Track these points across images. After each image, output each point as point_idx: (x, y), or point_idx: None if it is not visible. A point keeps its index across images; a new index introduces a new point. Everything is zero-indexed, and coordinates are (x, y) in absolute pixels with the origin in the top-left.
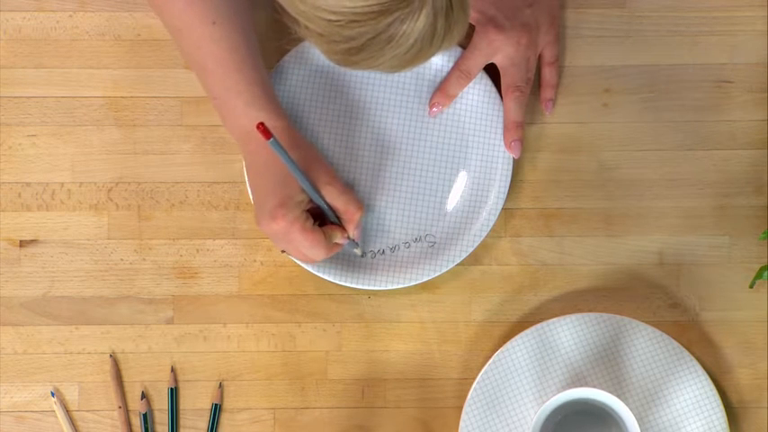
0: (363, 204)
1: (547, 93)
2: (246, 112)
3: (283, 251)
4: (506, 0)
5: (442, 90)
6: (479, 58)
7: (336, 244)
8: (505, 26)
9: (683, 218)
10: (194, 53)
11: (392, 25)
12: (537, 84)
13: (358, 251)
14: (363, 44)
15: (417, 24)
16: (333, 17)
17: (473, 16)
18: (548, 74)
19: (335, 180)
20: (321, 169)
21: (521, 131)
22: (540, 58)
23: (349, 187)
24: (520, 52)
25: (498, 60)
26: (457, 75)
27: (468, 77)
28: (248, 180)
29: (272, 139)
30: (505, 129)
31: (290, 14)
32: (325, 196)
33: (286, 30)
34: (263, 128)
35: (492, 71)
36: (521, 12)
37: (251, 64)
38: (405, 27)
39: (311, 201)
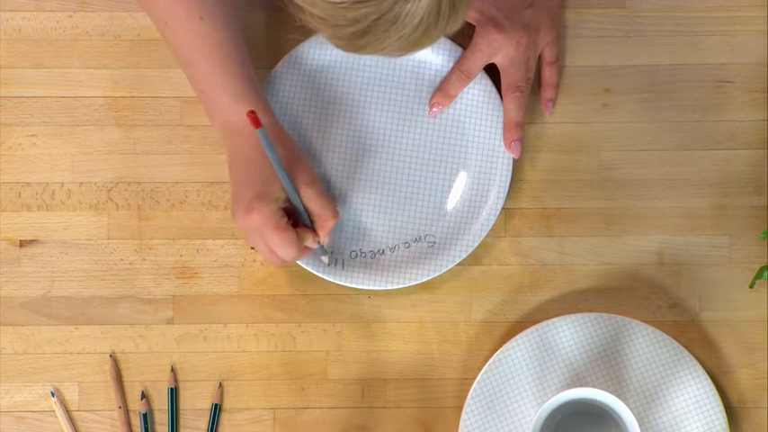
0: (339, 213)
1: (547, 93)
2: (232, 108)
3: (253, 248)
4: (506, 0)
5: (443, 90)
6: (479, 59)
7: (304, 249)
8: (506, 26)
9: (683, 218)
10: (181, 48)
11: (396, 4)
12: (537, 84)
13: (325, 259)
14: (368, 26)
15: (422, 3)
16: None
17: (473, 16)
18: (548, 74)
19: (315, 182)
20: (303, 169)
21: (521, 131)
22: (540, 58)
23: (328, 194)
24: (520, 52)
25: (498, 60)
26: (457, 75)
27: (469, 77)
28: (229, 174)
29: (261, 129)
30: (505, 129)
31: (293, 2)
32: (302, 197)
33: (288, 23)
34: (253, 116)
35: (492, 71)
36: (521, 12)
37: (238, 60)
38: (409, 6)
39: (288, 199)
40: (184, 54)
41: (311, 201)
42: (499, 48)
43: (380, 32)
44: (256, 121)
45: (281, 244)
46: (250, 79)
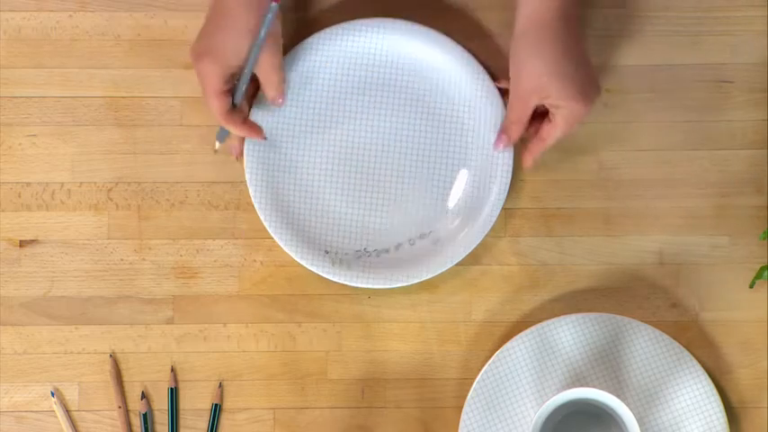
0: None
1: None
2: None
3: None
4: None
5: (507, 135)
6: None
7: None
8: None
9: (683, 218)
10: None
11: None
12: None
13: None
14: None
15: None
16: None
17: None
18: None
19: (278, 71)
20: (277, 56)
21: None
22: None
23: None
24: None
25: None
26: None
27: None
28: (207, 13)
29: (278, 4)
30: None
31: None
32: (258, 66)
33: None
34: None
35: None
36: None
37: None
38: None
39: (235, 75)
40: None
41: (264, 70)
42: (579, 117)
43: None
44: None
45: (208, 96)
46: None
